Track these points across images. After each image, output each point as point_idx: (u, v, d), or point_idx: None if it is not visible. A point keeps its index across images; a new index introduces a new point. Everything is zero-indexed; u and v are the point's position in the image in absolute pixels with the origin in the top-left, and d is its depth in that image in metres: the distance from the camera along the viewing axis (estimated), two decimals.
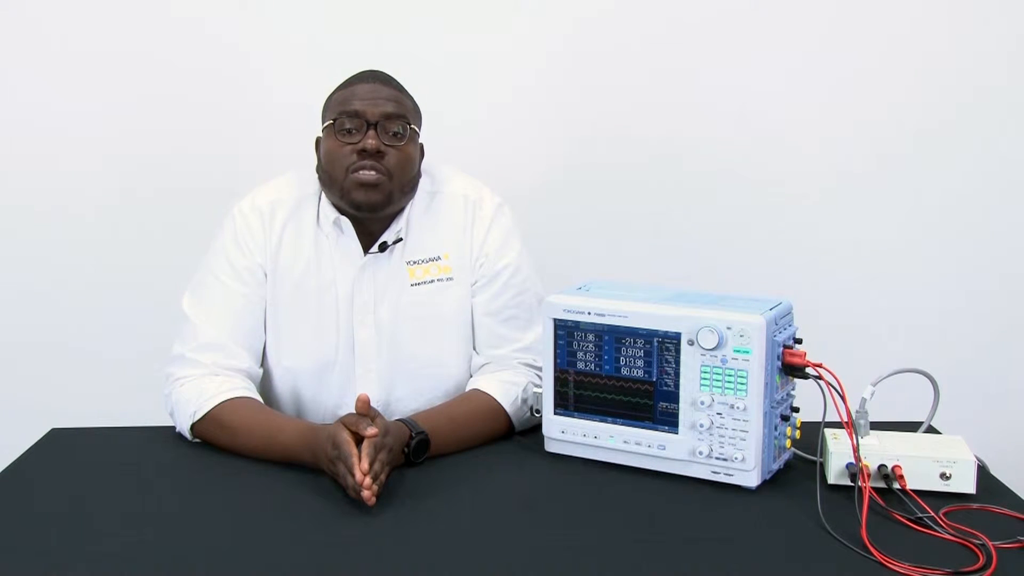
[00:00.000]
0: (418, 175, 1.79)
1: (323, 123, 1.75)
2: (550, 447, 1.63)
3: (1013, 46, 2.44)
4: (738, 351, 1.45)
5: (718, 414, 1.48)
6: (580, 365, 1.58)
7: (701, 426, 1.48)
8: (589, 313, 1.56)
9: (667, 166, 2.51)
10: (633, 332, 1.53)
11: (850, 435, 1.42)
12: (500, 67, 2.47)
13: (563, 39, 2.47)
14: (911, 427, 1.63)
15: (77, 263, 2.53)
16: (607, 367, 1.56)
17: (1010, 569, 1.24)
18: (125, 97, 2.46)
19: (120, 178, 2.49)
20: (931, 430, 1.64)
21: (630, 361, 1.54)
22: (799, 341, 1.54)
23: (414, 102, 1.77)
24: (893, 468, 1.44)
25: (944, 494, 1.44)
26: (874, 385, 1.49)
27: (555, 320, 1.59)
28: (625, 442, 1.55)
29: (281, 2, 2.44)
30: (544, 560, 1.29)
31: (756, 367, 1.44)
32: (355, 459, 1.42)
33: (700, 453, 1.49)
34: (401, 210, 1.77)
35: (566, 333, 1.58)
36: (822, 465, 1.48)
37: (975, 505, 1.42)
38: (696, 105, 2.49)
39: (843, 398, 1.41)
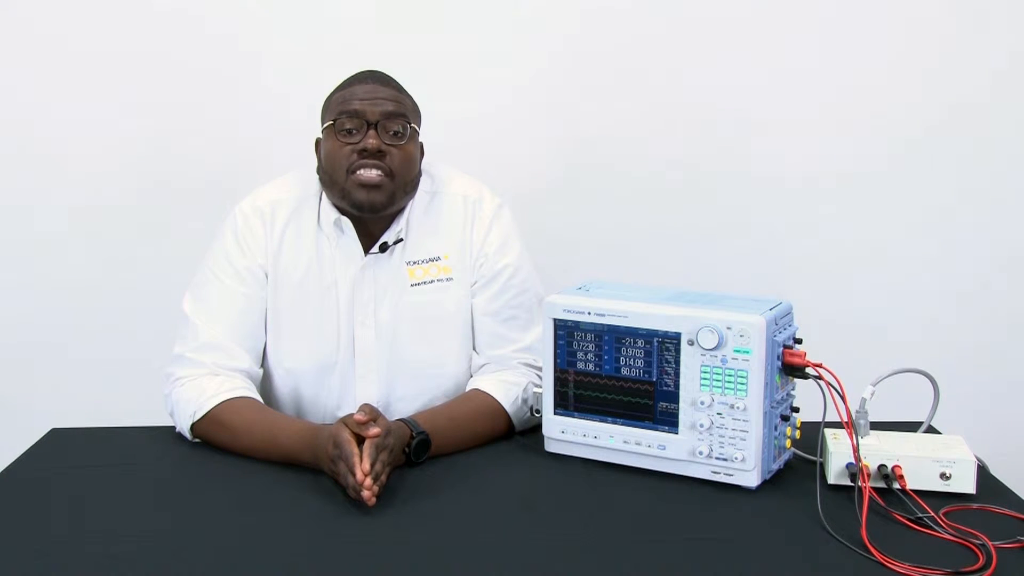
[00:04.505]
0: (419, 175, 1.79)
1: (323, 124, 1.75)
2: (550, 447, 1.63)
3: (1014, 46, 2.44)
4: (738, 351, 1.45)
5: (718, 414, 1.48)
6: (580, 365, 1.58)
7: (701, 426, 1.48)
8: (589, 313, 1.56)
9: (667, 166, 2.51)
10: (633, 332, 1.53)
11: (850, 435, 1.42)
12: (500, 67, 2.47)
13: (563, 39, 2.47)
14: (911, 427, 1.63)
15: (77, 263, 2.53)
16: (607, 367, 1.56)
17: (1010, 569, 1.24)
18: (125, 97, 2.46)
19: (120, 178, 2.49)
20: (931, 430, 1.64)
21: (630, 361, 1.54)
22: (799, 341, 1.54)
23: (413, 101, 1.77)
24: (893, 468, 1.44)
25: (944, 494, 1.44)
26: (874, 385, 1.49)
27: (555, 320, 1.59)
28: (625, 442, 1.55)
29: (281, 2, 2.45)
30: (544, 560, 1.29)
31: (756, 367, 1.44)
32: (356, 459, 1.42)
33: (700, 453, 1.49)
34: (401, 210, 1.77)
35: (566, 333, 1.58)
36: (822, 465, 1.48)
37: (975, 505, 1.42)
38: (696, 105, 2.49)
39: (843, 398, 1.41)
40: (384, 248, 1.76)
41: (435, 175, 1.83)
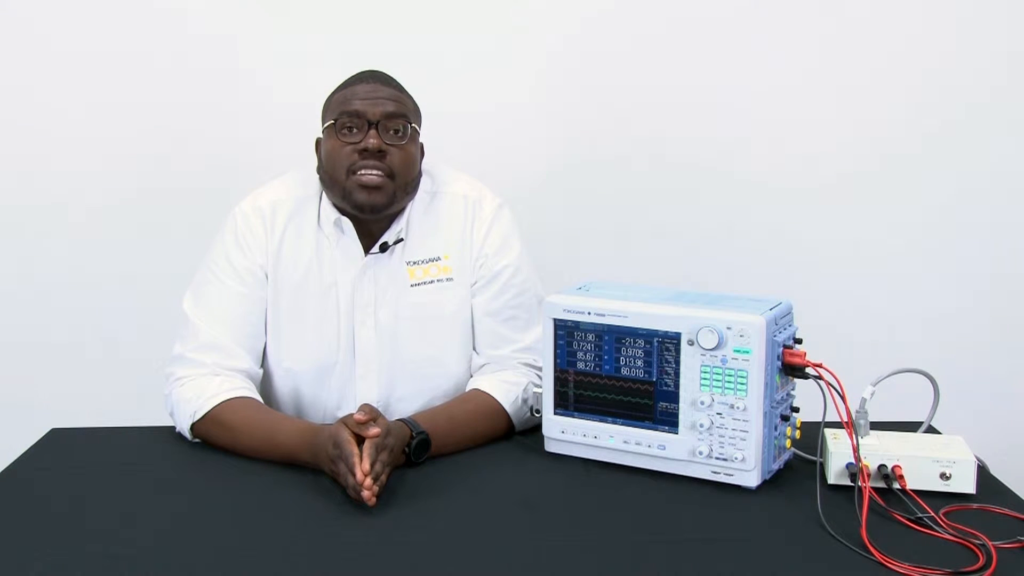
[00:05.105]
0: (419, 175, 1.79)
1: (323, 124, 1.75)
2: (550, 447, 1.63)
3: (1013, 46, 2.44)
4: (738, 351, 1.45)
5: (718, 414, 1.48)
6: (580, 365, 1.58)
7: (701, 426, 1.48)
8: (589, 313, 1.56)
9: (667, 166, 2.51)
10: (633, 332, 1.53)
11: (850, 435, 1.42)
12: (500, 67, 2.47)
13: (563, 39, 2.47)
14: (911, 427, 1.63)
15: (77, 263, 2.53)
16: (607, 367, 1.56)
17: (1010, 569, 1.24)
18: (125, 97, 2.46)
19: (120, 178, 2.50)
20: (931, 430, 1.64)
21: (630, 361, 1.54)
22: (799, 341, 1.54)
23: (414, 102, 1.77)
24: (893, 468, 1.44)
25: (944, 494, 1.44)
26: (874, 385, 1.49)
27: (555, 320, 1.59)
28: (625, 442, 1.55)
29: (281, 2, 2.45)
30: (544, 560, 1.29)
31: (756, 367, 1.44)
32: (356, 459, 1.42)
33: (700, 453, 1.49)
34: (402, 210, 1.77)
35: (566, 333, 1.58)
36: (822, 465, 1.48)
37: (975, 505, 1.42)
38: (696, 105, 2.49)
39: (843, 398, 1.41)
40: (384, 248, 1.76)
41: (435, 175, 1.83)
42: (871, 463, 1.44)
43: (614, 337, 1.54)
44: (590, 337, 1.57)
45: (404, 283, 1.77)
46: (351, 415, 1.50)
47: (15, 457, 1.65)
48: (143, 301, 2.50)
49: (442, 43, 2.44)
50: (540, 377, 1.65)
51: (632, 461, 1.56)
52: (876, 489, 1.41)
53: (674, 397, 1.51)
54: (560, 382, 1.60)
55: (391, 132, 1.70)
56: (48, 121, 2.47)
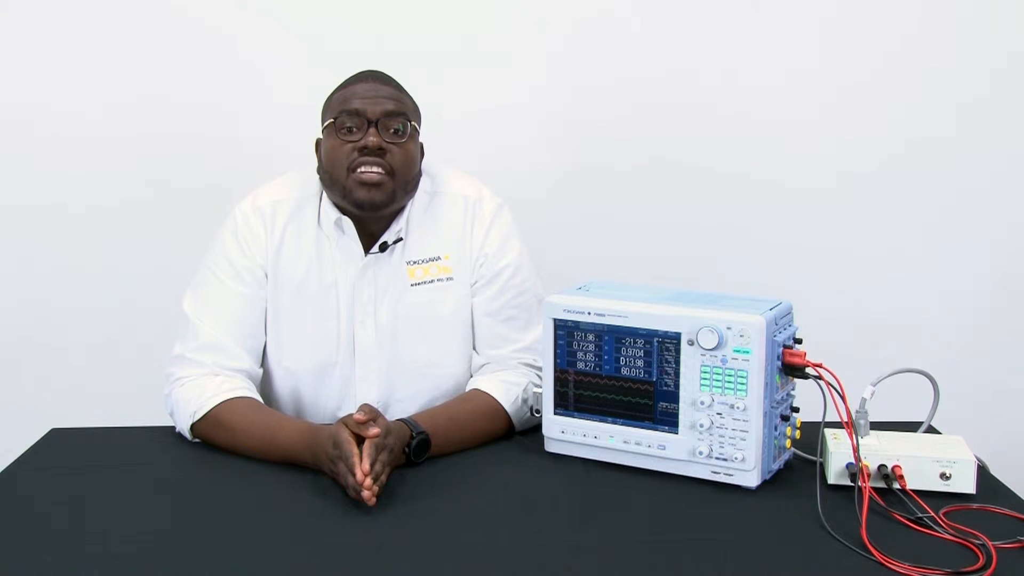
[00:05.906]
0: (419, 174, 1.79)
1: (323, 123, 1.75)
2: (550, 447, 1.63)
3: (1014, 47, 2.44)
4: (738, 351, 1.45)
5: (718, 414, 1.48)
6: (580, 365, 1.58)
7: (701, 426, 1.48)
8: (589, 313, 1.56)
9: (667, 166, 2.51)
10: (633, 332, 1.53)
11: (850, 435, 1.42)
12: (500, 67, 2.47)
13: (563, 39, 2.47)
14: (911, 427, 1.63)
15: (77, 263, 2.53)
16: (607, 367, 1.56)
17: (1010, 569, 1.24)
18: (125, 97, 2.46)
19: (120, 178, 2.50)
20: (931, 430, 1.64)
21: (630, 361, 1.54)
22: (799, 341, 1.54)
23: (413, 101, 1.77)
24: (893, 468, 1.44)
25: (944, 494, 1.44)
26: (874, 385, 1.49)
27: (555, 320, 1.59)
28: (625, 442, 1.55)
29: (281, 2, 2.45)
30: (544, 560, 1.29)
31: (756, 367, 1.44)
32: (356, 459, 1.42)
33: (700, 453, 1.49)
34: (401, 210, 1.77)
35: (566, 333, 1.58)
36: (822, 465, 1.48)
37: (975, 505, 1.42)
38: (696, 105, 2.49)
39: (843, 398, 1.41)
40: (384, 248, 1.76)
41: (435, 175, 1.83)
42: (871, 463, 1.44)
43: (614, 337, 1.54)
44: (590, 337, 1.57)
45: (404, 283, 1.77)
46: (351, 415, 1.50)
47: (15, 457, 1.65)
48: (143, 301, 2.50)
49: (442, 43, 2.44)
50: (540, 377, 1.65)
51: (632, 461, 1.56)
52: (876, 489, 1.41)
53: (674, 397, 1.51)
54: (560, 382, 1.60)
55: (391, 130, 1.70)
56: (48, 121, 2.47)
